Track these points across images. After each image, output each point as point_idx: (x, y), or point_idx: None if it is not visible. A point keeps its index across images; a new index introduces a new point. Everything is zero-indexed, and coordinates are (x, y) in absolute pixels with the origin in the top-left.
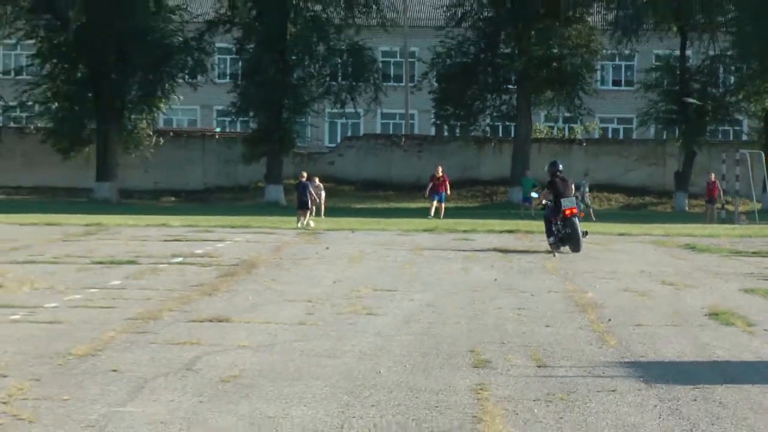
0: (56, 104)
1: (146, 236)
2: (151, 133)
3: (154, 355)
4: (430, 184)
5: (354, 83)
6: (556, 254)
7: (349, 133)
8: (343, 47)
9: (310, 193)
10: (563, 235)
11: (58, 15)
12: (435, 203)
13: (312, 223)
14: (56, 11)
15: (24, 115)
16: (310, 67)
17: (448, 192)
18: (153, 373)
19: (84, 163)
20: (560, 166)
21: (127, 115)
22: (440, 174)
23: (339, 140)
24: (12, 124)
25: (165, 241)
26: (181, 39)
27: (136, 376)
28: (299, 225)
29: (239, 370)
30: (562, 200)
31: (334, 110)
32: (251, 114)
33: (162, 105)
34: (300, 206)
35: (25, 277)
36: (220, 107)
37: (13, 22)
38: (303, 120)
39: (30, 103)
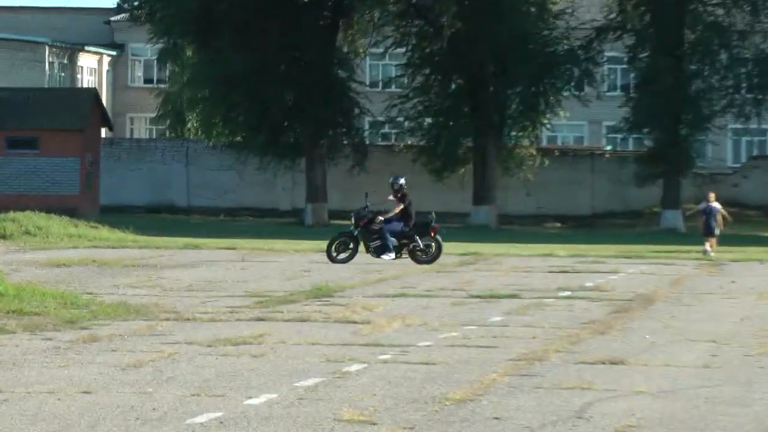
0: (429, 119)
1: (529, 267)
2: (534, 152)
3: (541, 401)
4: None
5: (760, 96)
6: None
7: (755, 152)
8: (748, 56)
9: (716, 219)
10: None
11: (431, 21)
12: None
13: (713, 253)
14: (429, 17)
15: (393, 131)
16: (710, 77)
17: None
18: (539, 421)
19: (459, 185)
20: None
21: (507, 132)
22: None
23: (744, 160)
24: (380, 141)
25: (550, 272)
26: (566, 47)
27: (521, 425)
28: (705, 253)
29: (636, 419)
30: None
31: (738, 126)
32: (645, 130)
33: (546, 120)
34: (707, 233)
35: (396, 312)
36: (610, 123)
37: (381, 29)
38: (703, 137)
39: (400, 118)
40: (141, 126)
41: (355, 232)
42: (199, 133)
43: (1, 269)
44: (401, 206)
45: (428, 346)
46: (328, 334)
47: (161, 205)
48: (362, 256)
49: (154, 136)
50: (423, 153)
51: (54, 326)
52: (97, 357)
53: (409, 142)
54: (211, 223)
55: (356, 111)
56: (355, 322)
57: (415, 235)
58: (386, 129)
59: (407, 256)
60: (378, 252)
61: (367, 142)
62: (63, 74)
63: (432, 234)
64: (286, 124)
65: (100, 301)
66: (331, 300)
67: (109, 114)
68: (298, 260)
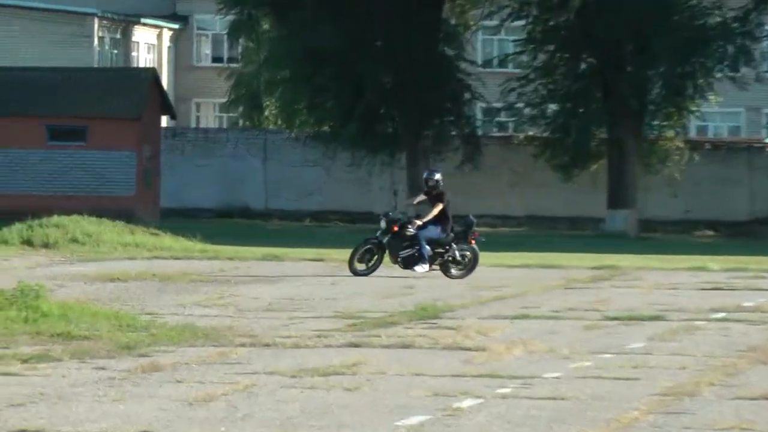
0: (554, 106)
1: (676, 283)
2: (680, 144)
3: None
4: None
5: None
6: None
7: None
8: None
9: None
10: None
11: None
12: None
13: None
14: None
15: (511, 120)
16: None
17: None
18: None
19: (591, 184)
20: None
21: (648, 121)
22: None
23: None
24: (495, 132)
25: (701, 289)
26: (718, 19)
27: None
28: None
29: None
30: None
31: None
32: None
33: (694, 107)
34: None
35: (516, 337)
36: None
37: None
38: None
39: (519, 104)
40: (209, 113)
41: (384, 239)
42: (279, 121)
43: (43, 284)
44: (440, 207)
45: (556, 377)
46: (436, 362)
47: (234, 207)
48: (388, 267)
49: (224, 126)
50: (548, 146)
51: (107, 353)
52: (158, 389)
53: (531, 133)
54: (294, 230)
55: (466, 96)
56: (467, 349)
57: (452, 243)
58: (502, 117)
59: (437, 267)
60: (408, 263)
61: (480, 133)
62: (115, 51)
63: (471, 242)
64: (382, 111)
65: (162, 322)
66: (439, 322)
67: (171, 99)
68: (399, 274)
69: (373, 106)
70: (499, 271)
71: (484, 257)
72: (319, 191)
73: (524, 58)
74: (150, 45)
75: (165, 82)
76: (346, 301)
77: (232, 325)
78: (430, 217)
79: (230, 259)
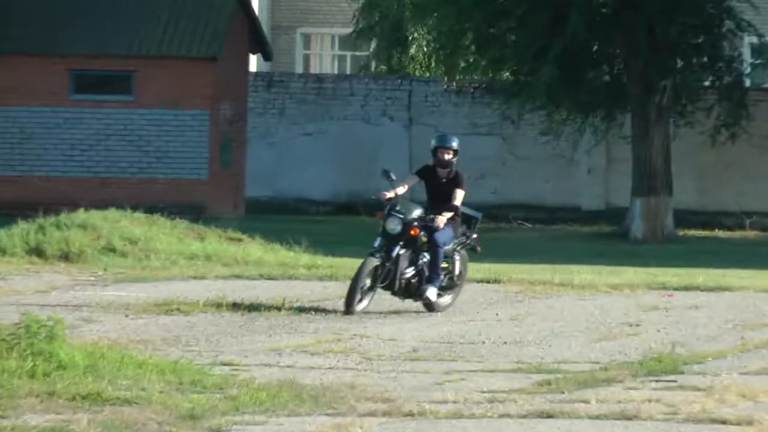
0: None
1: None
2: None
3: None
4: None
5: None
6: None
7: None
8: None
9: None
10: None
11: None
12: None
13: None
14: None
15: None
16: None
17: None
18: None
19: None
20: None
21: None
22: None
23: None
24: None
25: None
26: None
27: None
28: None
29: None
30: None
31: None
32: None
33: None
34: None
35: None
36: None
37: None
38: None
39: None
40: (324, 51)
41: (396, 251)
42: (433, 65)
43: (60, 319)
44: (462, 194)
45: None
46: None
47: (359, 198)
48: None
49: (348, 71)
50: None
51: (159, 426)
52: None
53: None
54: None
55: (728, 25)
56: (724, 422)
57: (454, 253)
58: None
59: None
60: (417, 289)
61: (748, 84)
62: None
63: (477, 249)
64: (596, 48)
65: (247, 378)
66: (680, 379)
67: (265, 30)
68: (619, 305)
69: (581, 40)
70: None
71: (752, 278)
72: (494, 174)
73: None
74: None
75: (256, 3)
76: (536, 345)
77: (356, 383)
78: (451, 211)
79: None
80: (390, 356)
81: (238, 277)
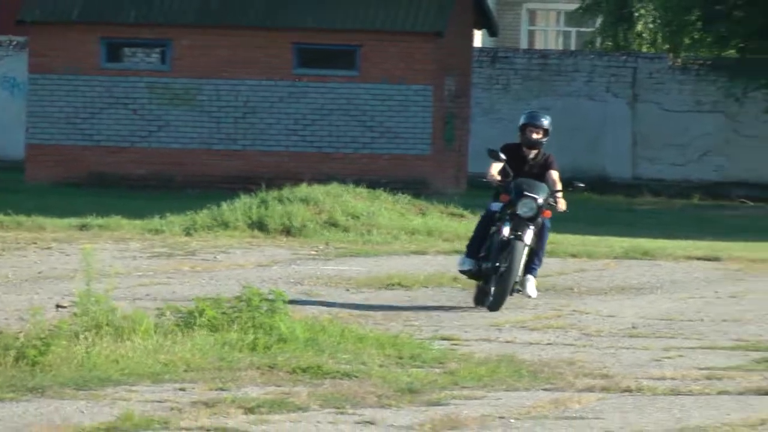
0: None
1: None
2: None
3: None
4: None
5: None
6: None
7: None
8: None
9: None
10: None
11: None
12: None
13: None
14: None
15: None
16: None
17: None
18: None
19: None
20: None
21: None
22: None
23: None
24: None
25: None
26: None
27: None
28: None
29: None
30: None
31: None
32: None
33: None
34: None
35: None
36: None
37: None
38: None
39: None
40: (549, 27)
41: (530, 235)
42: (659, 41)
43: (282, 292)
44: (558, 174)
45: None
46: None
47: (583, 174)
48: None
49: (572, 47)
50: None
51: (378, 399)
52: None
53: None
54: (676, 211)
55: None
56: None
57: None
58: None
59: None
60: (524, 280)
61: None
62: None
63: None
64: None
65: (466, 353)
66: None
67: (491, 5)
68: None
69: None
70: None
71: None
72: (719, 151)
73: None
74: None
75: None
76: (756, 323)
77: (575, 359)
78: (560, 193)
79: (574, 256)
80: (609, 332)
81: (458, 252)
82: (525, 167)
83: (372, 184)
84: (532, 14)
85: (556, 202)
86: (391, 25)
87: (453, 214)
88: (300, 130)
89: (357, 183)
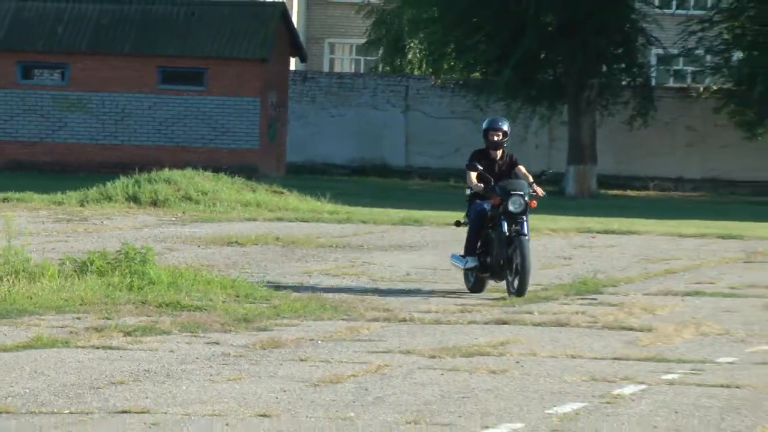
0: (740, 54)
1: None
2: None
3: None
4: None
5: None
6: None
7: None
8: None
9: None
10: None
11: None
12: None
13: None
14: None
15: (690, 69)
16: None
17: None
18: None
19: None
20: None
21: None
22: None
23: None
24: (671, 83)
25: None
26: None
27: None
28: None
29: None
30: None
31: None
32: None
33: None
34: None
35: (687, 316)
36: None
37: None
38: None
39: (700, 51)
40: (344, 56)
41: (526, 228)
42: (424, 66)
43: (151, 247)
44: (523, 167)
45: (731, 363)
46: (594, 344)
47: (369, 164)
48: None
49: (361, 70)
50: (730, 100)
51: (222, 326)
52: (279, 368)
53: (711, 85)
54: (437, 191)
55: (640, 40)
56: (631, 329)
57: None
58: (680, 65)
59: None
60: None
61: (654, 84)
62: None
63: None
64: (543, 55)
65: (285, 293)
66: (600, 298)
67: (302, 39)
68: (556, 243)
69: (532, 49)
70: (670, 240)
71: (654, 225)
72: (467, 147)
73: None
74: None
75: (295, 19)
76: None
77: (365, 298)
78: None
79: (364, 222)
80: (390, 278)
81: (279, 219)
82: (495, 167)
83: (216, 170)
84: (332, 46)
85: (535, 191)
86: (229, 53)
87: (275, 192)
88: (163, 130)
89: (205, 168)
